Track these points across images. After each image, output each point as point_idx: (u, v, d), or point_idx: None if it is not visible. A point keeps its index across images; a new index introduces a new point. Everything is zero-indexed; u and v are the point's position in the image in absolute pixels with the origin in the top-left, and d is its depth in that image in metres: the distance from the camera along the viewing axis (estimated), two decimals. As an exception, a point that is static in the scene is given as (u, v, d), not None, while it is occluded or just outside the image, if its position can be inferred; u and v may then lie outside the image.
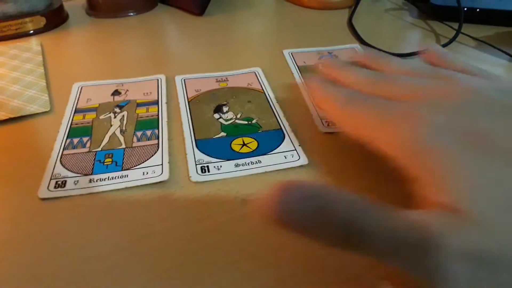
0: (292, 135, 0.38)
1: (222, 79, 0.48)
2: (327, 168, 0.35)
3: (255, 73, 0.49)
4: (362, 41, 0.56)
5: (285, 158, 0.36)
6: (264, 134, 0.39)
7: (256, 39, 0.59)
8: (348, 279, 0.26)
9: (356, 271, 0.26)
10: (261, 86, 0.46)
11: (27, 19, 0.60)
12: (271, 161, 0.35)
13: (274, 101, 0.43)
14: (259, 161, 0.35)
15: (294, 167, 0.35)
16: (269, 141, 0.38)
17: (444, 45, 0.54)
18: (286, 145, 0.37)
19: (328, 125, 0.39)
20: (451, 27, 0.59)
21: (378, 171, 0.33)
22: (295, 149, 0.36)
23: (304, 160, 0.35)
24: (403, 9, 0.68)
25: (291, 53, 0.54)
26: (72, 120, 0.41)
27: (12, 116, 0.41)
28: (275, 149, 0.37)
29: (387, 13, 0.67)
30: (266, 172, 0.34)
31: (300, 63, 0.51)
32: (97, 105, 0.43)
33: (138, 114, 0.41)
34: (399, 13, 0.67)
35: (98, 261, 0.27)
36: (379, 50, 0.53)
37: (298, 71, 0.50)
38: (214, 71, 0.49)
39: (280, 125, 0.40)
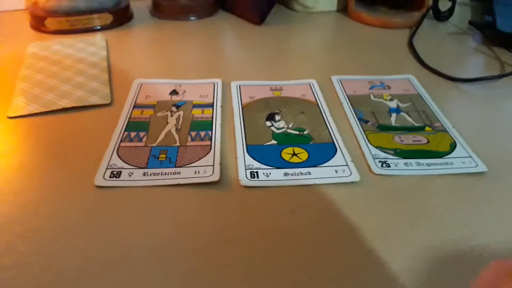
0: (344, 150, 0.38)
1: (276, 88, 0.48)
2: (378, 189, 0.34)
3: (310, 84, 0.49)
4: (422, 63, 0.55)
5: (336, 172, 0.35)
6: (315, 146, 0.38)
7: (311, 53, 0.59)
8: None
9: None
10: (315, 98, 0.46)
11: (95, 15, 0.63)
12: (321, 174, 0.35)
13: (328, 114, 0.43)
14: (309, 173, 0.35)
15: (345, 183, 0.34)
16: (320, 153, 0.37)
17: (508, 74, 0.52)
18: (337, 159, 0.37)
19: (382, 165, 0.36)
20: (518, 55, 0.56)
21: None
22: (347, 165, 0.36)
23: (356, 177, 0.34)
24: (467, 33, 0.66)
25: (340, 80, 0.50)
26: (131, 114, 0.42)
27: (75, 105, 0.43)
28: (326, 162, 0.36)
29: (450, 36, 0.65)
30: (315, 184, 0.34)
31: (350, 92, 0.48)
32: (155, 103, 0.44)
33: (193, 114, 0.42)
34: (462, 37, 0.64)
35: (145, 253, 0.28)
36: (439, 73, 0.52)
37: (348, 100, 0.46)
38: (268, 79, 0.50)
39: (332, 139, 0.39)
